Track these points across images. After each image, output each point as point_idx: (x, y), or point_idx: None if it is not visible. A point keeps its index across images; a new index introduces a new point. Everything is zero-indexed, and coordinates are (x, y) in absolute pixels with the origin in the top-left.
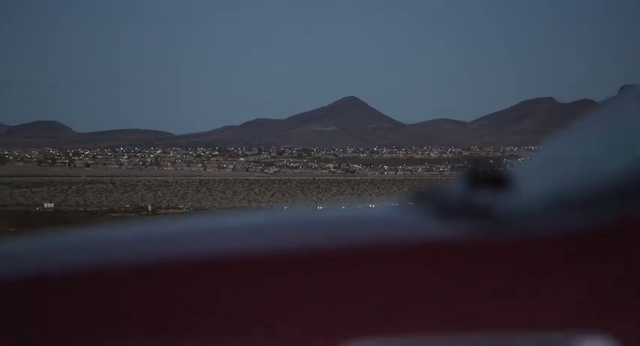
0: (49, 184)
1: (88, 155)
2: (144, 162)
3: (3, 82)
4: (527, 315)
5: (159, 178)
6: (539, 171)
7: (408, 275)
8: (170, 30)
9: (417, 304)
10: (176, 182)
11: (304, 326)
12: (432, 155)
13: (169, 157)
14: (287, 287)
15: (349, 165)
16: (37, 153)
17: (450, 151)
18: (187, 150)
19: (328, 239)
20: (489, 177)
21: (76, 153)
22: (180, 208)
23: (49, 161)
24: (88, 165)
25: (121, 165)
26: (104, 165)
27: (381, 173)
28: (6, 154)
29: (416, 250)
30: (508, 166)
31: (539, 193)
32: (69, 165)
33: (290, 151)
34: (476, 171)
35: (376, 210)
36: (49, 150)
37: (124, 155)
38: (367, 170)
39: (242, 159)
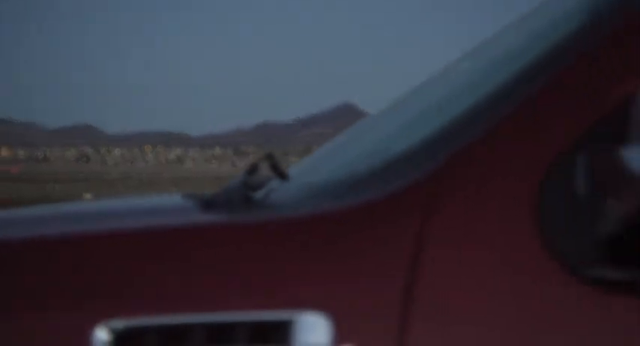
0: (85, 180)
1: (117, 153)
2: (167, 160)
3: (42, 87)
4: (250, 294)
5: (180, 175)
6: (322, 161)
7: (156, 258)
8: (191, 41)
9: (160, 285)
10: (197, 177)
11: (57, 308)
12: None
13: (189, 156)
14: (47, 269)
15: None
16: (74, 151)
17: None
18: (204, 149)
19: (94, 226)
20: (270, 169)
21: (108, 151)
22: None
23: (85, 159)
24: (117, 163)
25: (147, 162)
26: (132, 163)
27: None
28: (47, 154)
29: (165, 236)
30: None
31: (308, 181)
32: (102, 163)
33: (294, 150)
34: (254, 165)
35: (155, 201)
36: (84, 150)
37: (149, 154)
38: None
39: (252, 157)
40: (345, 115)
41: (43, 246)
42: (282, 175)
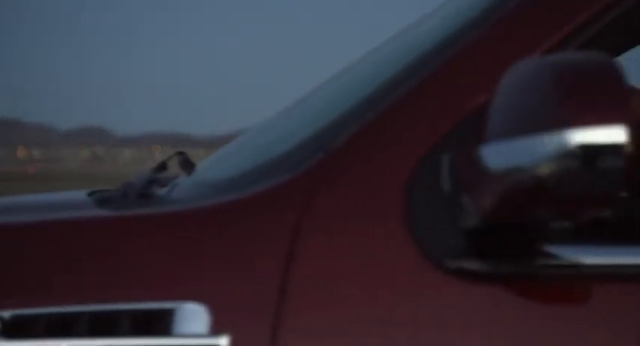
0: (97, 180)
1: (127, 154)
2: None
3: (55, 90)
4: (132, 285)
5: None
6: (223, 157)
7: (43, 250)
8: (196, 44)
9: (48, 277)
10: None
11: None
12: None
13: (195, 156)
14: None
15: None
16: (87, 152)
17: None
18: (208, 149)
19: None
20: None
21: (119, 153)
22: None
23: (98, 159)
24: (127, 163)
25: (156, 162)
26: (141, 163)
27: None
28: (61, 155)
29: (51, 230)
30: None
31: (203, 177)
32: (113, 163)
33: None
34: (163, 162)
35: (59, 197)
36: (96, 151)
37: (157, 154)
38: None
39: None
40: None
41: None
42: (189, 171)
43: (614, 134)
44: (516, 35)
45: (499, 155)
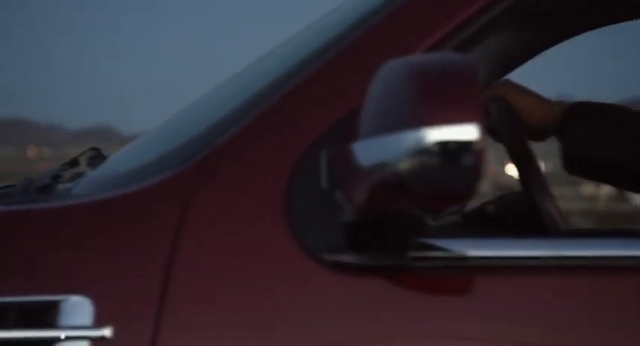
0: None
1: None
2: None
3: (64, 90)
4: (18, 278)
5: None
6: (127, 152)
7: None
8: (200, 44)
9: None
10: None
11: None
12: None
13: None
14: None
15: None
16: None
17: None
18: None
19: None
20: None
21: None
22: None
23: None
24: None
25: None
26: None
27: None
28: (70, 154)
29: None
30: None
31: (103, 172)
32: None
33: None
34: (75, 157)
35: None
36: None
37: None
38: None
39: None
40: None
41: None
42: (94, 166)
43: (467, 132)
44: (395, 36)
45: (367, 152)
